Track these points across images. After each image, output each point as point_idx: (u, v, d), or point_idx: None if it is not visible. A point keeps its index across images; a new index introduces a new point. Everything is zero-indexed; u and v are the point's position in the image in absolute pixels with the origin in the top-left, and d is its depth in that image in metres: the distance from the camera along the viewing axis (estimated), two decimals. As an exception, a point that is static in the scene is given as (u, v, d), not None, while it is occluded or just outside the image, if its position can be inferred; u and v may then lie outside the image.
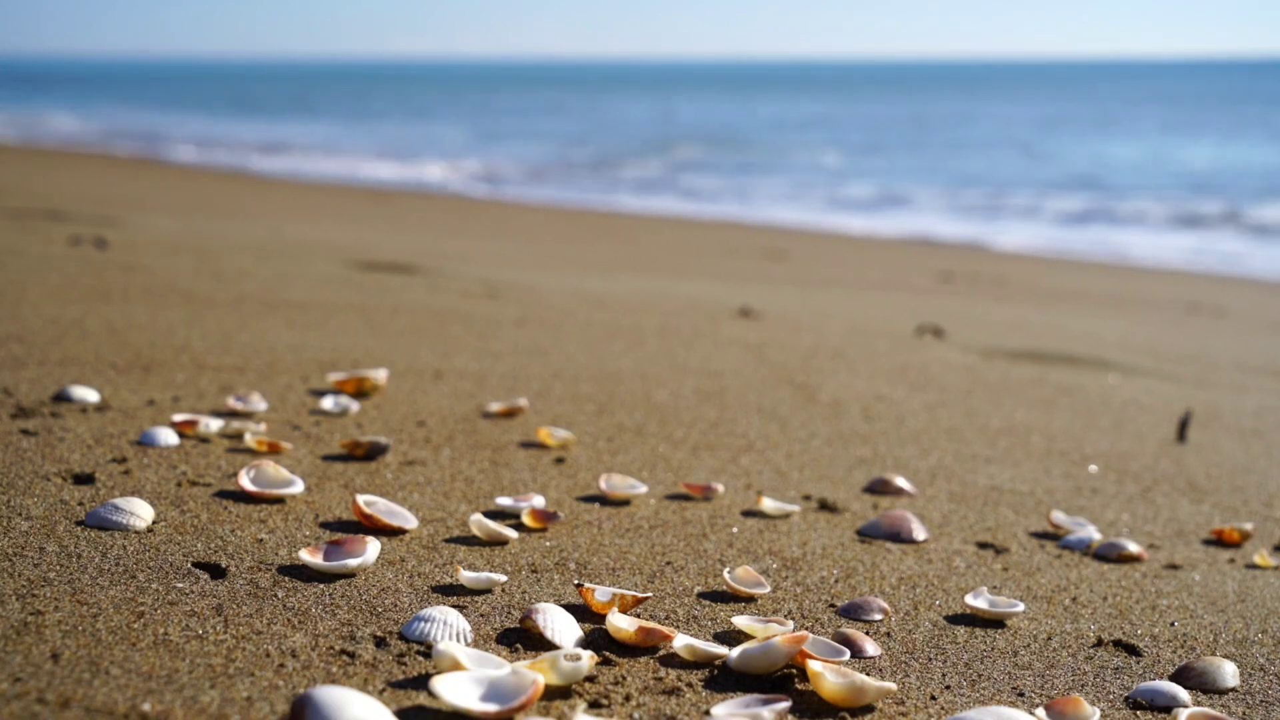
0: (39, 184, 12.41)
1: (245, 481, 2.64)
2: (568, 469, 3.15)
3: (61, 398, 3.30)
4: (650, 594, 2.31)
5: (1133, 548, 2.84)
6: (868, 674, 2.06)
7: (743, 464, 3.36)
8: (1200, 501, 3.41)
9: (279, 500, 2.65)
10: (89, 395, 3.33)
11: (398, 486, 2.87)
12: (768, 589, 2.39)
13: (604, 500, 2.92)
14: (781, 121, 42.34)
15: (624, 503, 2.92)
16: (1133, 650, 2.28)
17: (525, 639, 2.05)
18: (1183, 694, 2.05)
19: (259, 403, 3.42)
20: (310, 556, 2.26)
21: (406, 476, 2.95)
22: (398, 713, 1.74)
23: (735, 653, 2.00)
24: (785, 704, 1.83)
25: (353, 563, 2.26)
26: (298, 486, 2.68)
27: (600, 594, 2.19)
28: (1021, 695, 2.05)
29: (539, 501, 2.78)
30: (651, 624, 2.07)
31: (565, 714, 1.79)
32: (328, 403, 3.51)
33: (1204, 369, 5.86)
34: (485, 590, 2.27)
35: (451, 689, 1.75)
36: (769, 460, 3.43)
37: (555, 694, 1.84)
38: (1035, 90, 74.05)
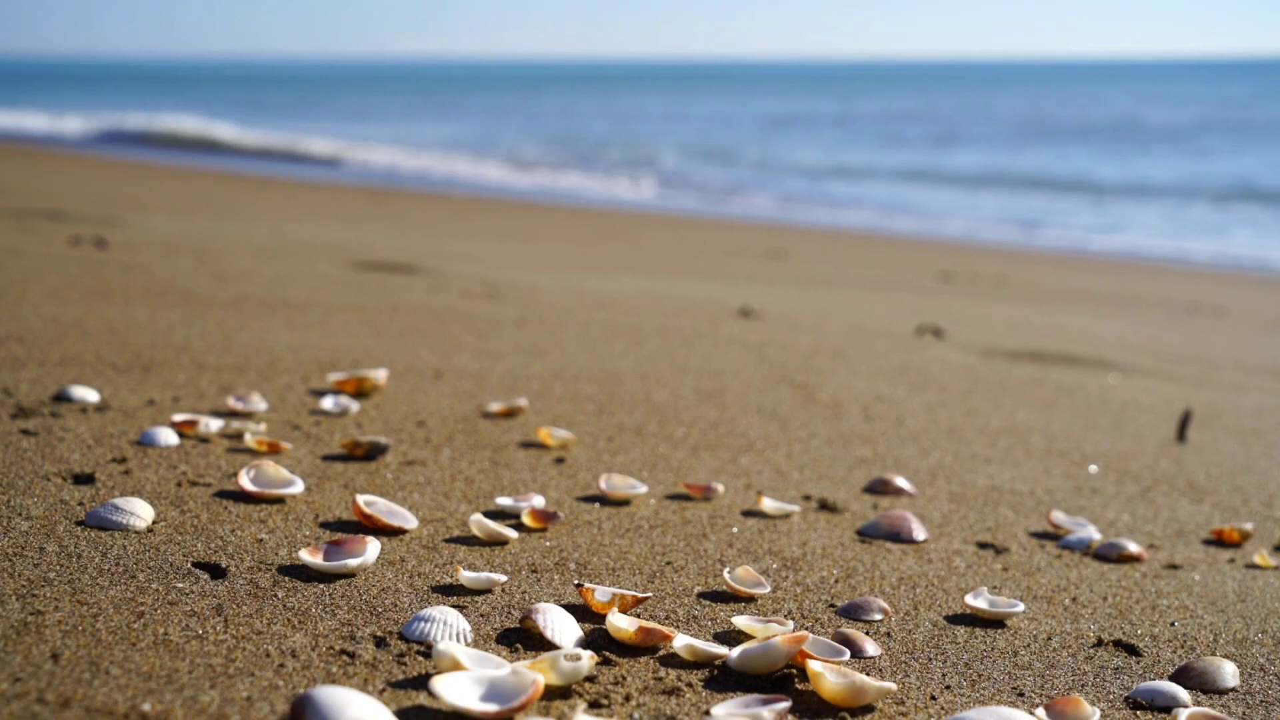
0: (39, 184, 12.41)
1: (245, 481, 2.64)
2: (568, 469, 3.15)
3: (61, 398, 3.30)
4: (650, 594, 2.31)
5: (1133, 548, 2.84)
6: (868, 674, 2.06)
7: (743, 464, 3.36)
8: (1200, 501, 3.41)
9: (279, 500, 2.65)
10: (89, 395, 3.33)
11: (398, 486, 2.87)
12: (768, 589, 2.39)
13: (604, 500, 2.92)
14: (783, 121, 42.32)
15: (624, 503, 2.92)
16: (1133, 650, 2.28)
17: (525, 639, 2.05)
18: (1183, 694, 2.05)
19: (259, 403, 3.42)
20: (310, 556, 2.26)
21: (406, 476, 2.95)
22: (398, 713, 1.74)
23: (735, 653, 2.00)
24: (785, 704, 1.83)
25: (353, 563, 2.26)
26: (298, 486, 2.68)
27: (600, 594, 2.19)
28: (1021, 695, 2.05)
29: (539, 501, 2.78)
30: (651, 624, 2.07)
31: (565, 714, 1.79)
32: (328, 403, 3.51)
33: (1204, 369, 5.86)
34: (485, 590, 2.27)
35: (451, 689, 1.75)
36: (769, 460, 3.43)
37: (555, 694, 1.84)
38: (1035, 90, 74.05)
